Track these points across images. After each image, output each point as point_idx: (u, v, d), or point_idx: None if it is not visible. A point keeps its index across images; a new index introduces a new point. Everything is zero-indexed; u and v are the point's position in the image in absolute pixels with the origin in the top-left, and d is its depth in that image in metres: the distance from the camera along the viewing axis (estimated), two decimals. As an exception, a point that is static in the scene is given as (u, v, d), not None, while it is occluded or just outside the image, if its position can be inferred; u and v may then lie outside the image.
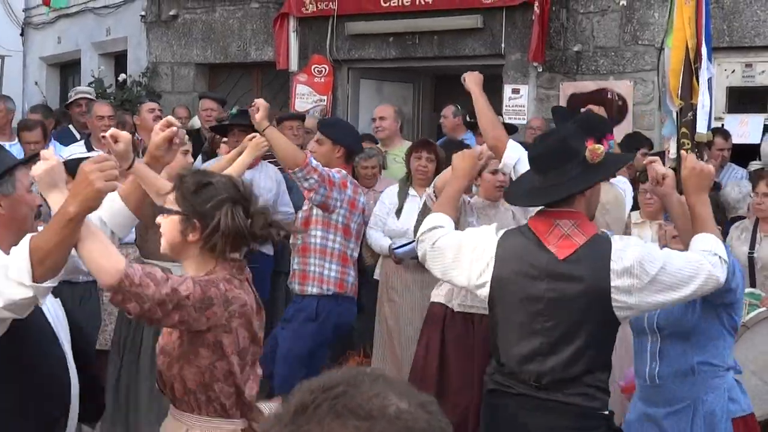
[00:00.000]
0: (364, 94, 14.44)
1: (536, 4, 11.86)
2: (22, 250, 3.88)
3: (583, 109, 8.87)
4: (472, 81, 6.59)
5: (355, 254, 7.69)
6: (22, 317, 4.04)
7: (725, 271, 4.65)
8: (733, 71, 11.30)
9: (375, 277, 8.56)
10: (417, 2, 12.98)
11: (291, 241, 7.83)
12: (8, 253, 3.96)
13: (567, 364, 4.73)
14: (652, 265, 4.59)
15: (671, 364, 5.23)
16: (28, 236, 3.96)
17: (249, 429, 4.49)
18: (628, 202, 7.50)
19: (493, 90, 12.21)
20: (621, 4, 11.72)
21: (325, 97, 13.84)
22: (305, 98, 13.84)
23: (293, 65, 14.09)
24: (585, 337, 4.70)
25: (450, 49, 13.05)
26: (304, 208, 7.61)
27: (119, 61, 17.11)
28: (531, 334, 4.71)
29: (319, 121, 8.26)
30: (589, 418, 4.76)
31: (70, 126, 11.04)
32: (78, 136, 10.38)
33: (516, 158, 5.88)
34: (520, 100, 12.34)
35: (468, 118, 10.33)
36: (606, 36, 11.92)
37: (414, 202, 8.12)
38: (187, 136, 5.97)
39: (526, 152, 5.17)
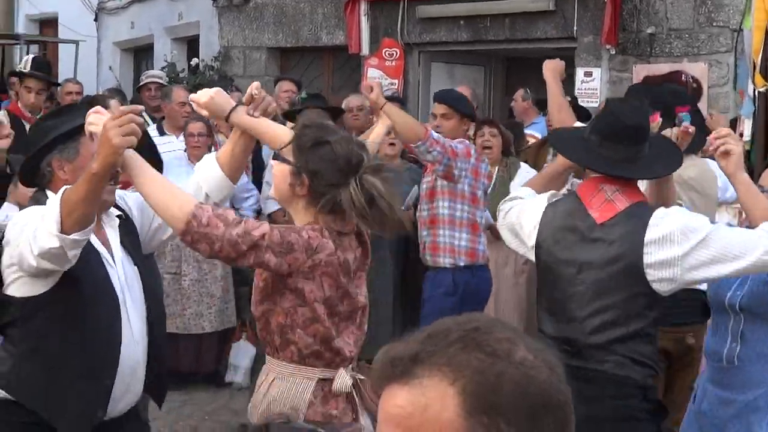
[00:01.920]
0: (435, 78, 14.32)
1: None
2: (55, 202, 4.03)
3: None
4: (549, 69, 6.56)
5: (483, 221, 7.67)
6: (62, 269, 4.16)
7: None
8: None
9: None
10: None
11: (417, 214, 7.94)
12: None
13: (596, 330, 4.66)
14: (695, 234, 4.43)
15: (754, 346, 4.96)
16: (63, 188, 4.09)
17: (358, 383, 4.45)
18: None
19: (566, 73, 12.35)
20: None
21: (396, 81, 13.82)
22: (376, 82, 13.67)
23: (364, 49, 14.08)
24: (618, 305, 4.62)
25: (521, 31, 12.99)
26: (427, 179, 7.63)
27: (191, 45, 17.16)
28: (566, 299, 4.70)
29: (438, 96, 8.08)
30: (622, 386, 4.67)
31: (143, 111, 11.02)
32: (149, 120, 10.26)
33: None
34: (592, 83, 12.28)
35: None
36: (680, 17, 11.79)
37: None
38: (270, 99, 5.74)
39: (609, 117, 4.91)
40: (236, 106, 4.68)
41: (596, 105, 11.31)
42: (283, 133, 4.63)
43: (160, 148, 9.19)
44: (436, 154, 7.06)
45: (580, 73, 12.43)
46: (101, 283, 4.43)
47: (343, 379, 4.35)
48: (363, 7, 14.04)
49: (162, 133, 9.72)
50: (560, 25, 12.61)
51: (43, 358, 4.44)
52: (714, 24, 11.46)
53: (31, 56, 11.87)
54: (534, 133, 10.66)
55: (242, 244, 4.04)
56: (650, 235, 4.48)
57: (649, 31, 11.93)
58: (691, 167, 5.80)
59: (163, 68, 15.22)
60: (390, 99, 10.55)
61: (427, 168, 7.54)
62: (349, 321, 4.44)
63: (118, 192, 4.69)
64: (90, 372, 4.43)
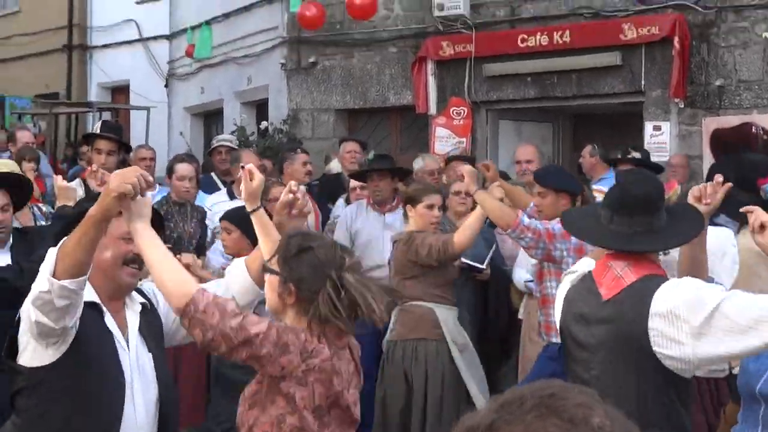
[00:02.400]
0: (503, 135, 14.43)
1: (676, 39, 11.88)
2: (54, 249, 4.11)
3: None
4: None
5: None
6: (54, 325, 4.14)
7: None
8: None
9: (519, 316, 8.48)
10: (554, 41, 13.05)
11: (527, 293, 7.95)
12: (99, 296, 4.40)
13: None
14: (703, 305, 4.06)
15: None
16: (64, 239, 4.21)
17: None
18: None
19: (635, 127, 12.50)
20: (764, 36, 11.67)
21: (464, 139, 13.87)
22: (445, 141, 13.85)
23: (432, 108, 14.11)
24: (633, 389, 4.29)
25: (589, 87, 13.05)
26: (533, 262, 7.54)
27: (260, 109, 17.31)
28: (584, 383, 4.19)
29: (535, 175, 7.87)
30: None
31: (212, 174, 11.08)
32: (220, 184, 10.45)
33: None
34: (661, 137, 12.28)
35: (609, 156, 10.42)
36: (749, 69, 11.85)
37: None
38: (308, 199, 5.87)
39: (617, 190, 4.77)
40: (258, 208, 4.80)
41: (666, 159, 11.30)
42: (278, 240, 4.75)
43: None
44: (528, 240, 6.97)
45: (648, 127, 12.44)
46: (109, 363, 4.46)
47: None
48: (430, 66, 14.09)
49: (232, 197, 9.79)
50: (628, 79, 12.63)
51: (44, 429, 4.48)
52: None
53: (101, 120, 12.12)
54: (602, 188, 10.59)
55: (235, 338, 4.02)
56: (655, 306, 4.18)
57: (717, 83, 11.96)
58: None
59: (232, 132, 15.29)
60: (459, 158, 10.82)
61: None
62: (348, 420, 4.38)
63: (150, 285, 4.79)
64: None
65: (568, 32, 12.95)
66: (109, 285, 4.48)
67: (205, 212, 8.88)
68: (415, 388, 7.52)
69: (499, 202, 7.31)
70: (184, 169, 8.80)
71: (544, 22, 13.26)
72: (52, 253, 4.09)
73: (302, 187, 5.56)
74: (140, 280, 4.95)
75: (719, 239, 5.81)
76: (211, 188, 10.31)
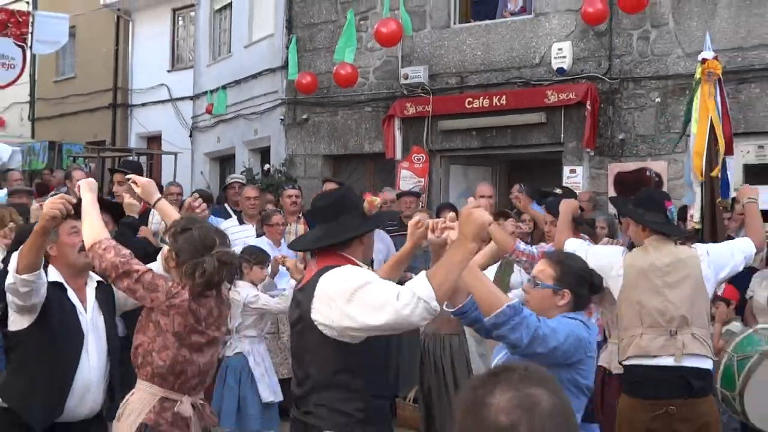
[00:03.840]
0: (453, 177, 14.36)
1: (588, 103, 11.89)
2: (17, 253, 4.57)
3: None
4: (565, 207, 6.59)
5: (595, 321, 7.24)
6: (23, 303, 4.60)
7: (418, 313, 3.62)
8: (749, 152, 11.12)
9: None
10: (494, 104, 13.02)
11: None
12: (68, 281, 4.83)
13: (298, 384, 4.22)
14: (347, 286, 3.82)
15: None
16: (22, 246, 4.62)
17: (200, 410, 4.67)
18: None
19: (555, 171, 12.50)
20: (656, 101, 11.73)
21: (422, 179, 13.79)
22: (407, 180, 13.75)
23: (398, 155, 14.09)
24: (307, 360, 4.12)
25: (520, 139, 13.00)
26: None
27: (264, 154, 17.13)
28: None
29: (547, 207, 7.44)
30: None
31: (226, 205, 11.14)
32: (232, 213, 10.50)
33: (572, 249, 5.88)
34: (576, 178, 12.23)
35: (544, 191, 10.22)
36: (644, 126, 11.86)
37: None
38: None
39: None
40: (160, 198, 5.27)
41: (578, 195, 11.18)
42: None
43: (239, 234, 9.31)
44: (524, 262, 6.77)
45: (566, 170, 12.41)
46: (69, 325, 4.81)
47: (184, 405, 4.59)
48: (397, 122, 14.07)
49: (241, 222, 9.86)
50: (550, 133, 12.62)
51: (23, 375, 4.84)
52: (671, 131, 11.47)
53: (122, 160, 12.08)
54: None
55: (120, 268, 4.41)
56: (317, 289, 3.97)
57: (620, 137, 11.97)
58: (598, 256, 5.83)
59: (242, 172, 15.34)
60: (412, 194, 11.27)
61: None
62: (198, 353, 4.63)
63: None
64: (53, 385, 4.79)
65: (504, 97, 12.92)
66: (70, 268, 4.87)
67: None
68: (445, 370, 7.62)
69: (500, 230, 6.90)
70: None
71: (486, 89, 13.23)
72: (14, 256, 4.53)
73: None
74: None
75: (607, 256, 5.84)
76: (224, 215, 10.40)
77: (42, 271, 4.59)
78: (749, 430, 6.74)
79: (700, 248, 5.77)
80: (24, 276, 4.49)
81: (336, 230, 4.21)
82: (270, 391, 7.36)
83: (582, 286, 4.31)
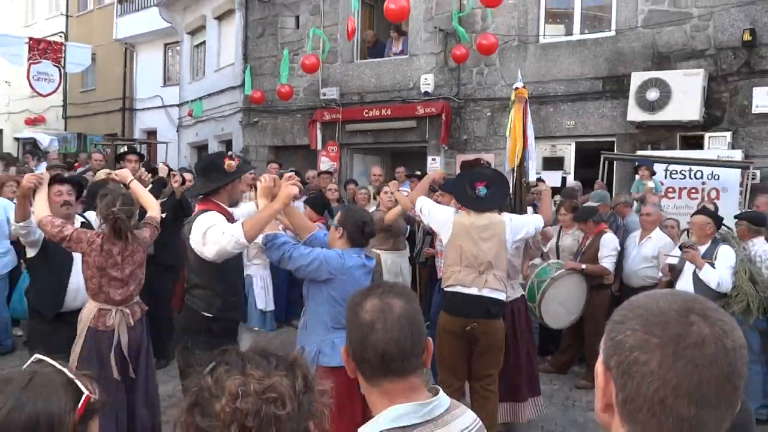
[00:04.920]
0: (355, 162, 14.61)
1: (443, 114, 12.55)
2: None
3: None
4: (431, 175, 6.42)
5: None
6: (26, 240, 4.70)
7: (231, 246, 3.87)
8: (545, 149, 11.75)
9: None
10: (382, 114, 13.32)
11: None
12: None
13: (187, 280, 4.33)
14: (203, 227, 4.01)
15: None
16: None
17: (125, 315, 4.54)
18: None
19: (422, 159, 13.23)
20: (488, 114, 12.37)
21: (335, 163, 13.93)
22: (325, 163, 13.89)
23: (319, 146, 14.27)
24: (192, 266, 4.25)
25: (400, 138, 13.38)
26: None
27: (228, 144, 17.11)
28: None
29: (442, 186, 6.90)
30: (191, 318, 4.29)
31: None
32: None
33: (419, 206, 5.78)
34: (435, 164, 12.65)
35: (408, 174, 10.36)
36: (480, 130, 12.46)
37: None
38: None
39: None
40: (132, 180, 4.98)
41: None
42: (147, 201, 4.97)
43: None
44: (418, 218, 6.59)
45: (429, 159, 12.92)
46: (62, 253, 4.74)
47: (111, 314, 4.47)
48: (318, 125, 14.29)
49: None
50: (419, 134, 13.10)
51: (36, 283, 4.92)
52: (498, 134, 12.08)
53: (127, 146, 12.04)
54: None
55: (57, 236, 4.36)
56: (194, 225, 4.09)
57: (464, 137, 12.66)
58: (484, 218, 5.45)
59: (212, 157, 15.22)
60: (328, 172, 11.52)
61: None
62: (117, 281, 4.46)
63: (92, 216, 5.10)
64: (54, 287, 4.83)
65: (389, 109, 13.25)
66: (56, 215, 4.64)
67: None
68: None
69: (404, 198, 6.76)
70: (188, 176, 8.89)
71: (377, 104, 13.46)
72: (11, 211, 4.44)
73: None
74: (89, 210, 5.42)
75: (443, 214, 5.60)
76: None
77: (32, 219, 4.55)
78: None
79: (506, 216, 5.52)
80: (20, 223, 4.60)
81: (206, 183, 4.29)
82: (263, 302, 6.97)
83: (356, 229, 4.21)
